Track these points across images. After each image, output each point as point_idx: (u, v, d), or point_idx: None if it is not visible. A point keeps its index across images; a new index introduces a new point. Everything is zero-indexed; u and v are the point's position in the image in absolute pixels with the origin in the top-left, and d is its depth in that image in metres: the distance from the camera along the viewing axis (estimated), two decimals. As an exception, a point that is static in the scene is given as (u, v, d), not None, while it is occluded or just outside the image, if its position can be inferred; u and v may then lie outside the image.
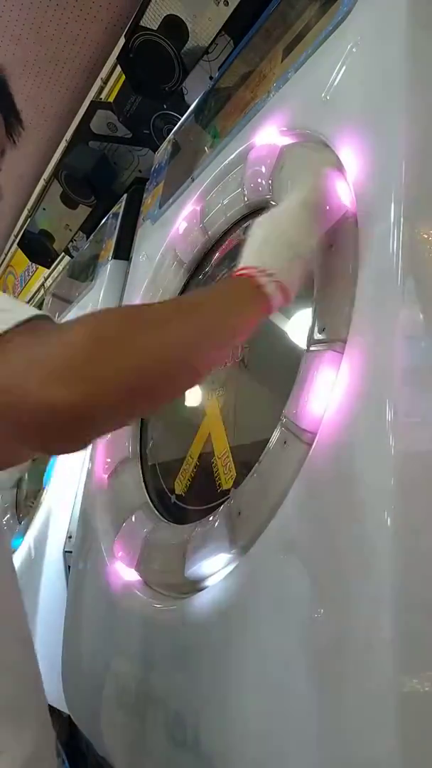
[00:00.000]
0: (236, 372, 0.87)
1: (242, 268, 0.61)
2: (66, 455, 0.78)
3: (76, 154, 1.69)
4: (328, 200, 0.66)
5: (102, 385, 0.46)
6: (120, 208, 1.62)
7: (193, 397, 0.96)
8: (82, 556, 1.07)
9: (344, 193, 0.68)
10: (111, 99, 1.68)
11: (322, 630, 0.54)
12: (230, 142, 1.02)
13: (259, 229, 0.64)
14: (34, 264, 2.58)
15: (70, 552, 1.19)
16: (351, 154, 0.68)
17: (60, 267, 2.35)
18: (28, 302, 2.93)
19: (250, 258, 0.62)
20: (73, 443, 0.48)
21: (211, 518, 0.73)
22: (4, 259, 3.10)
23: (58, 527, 1.32)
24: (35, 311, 0.50)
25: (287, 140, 0.83)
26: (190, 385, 0.63)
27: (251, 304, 0.59)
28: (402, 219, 0.58)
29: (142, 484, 0.97)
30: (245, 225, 0.95)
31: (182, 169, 1.23)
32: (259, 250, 0.62)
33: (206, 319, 0.56)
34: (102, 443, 1.07)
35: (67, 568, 1.21)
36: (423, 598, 0.50)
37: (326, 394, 0.61)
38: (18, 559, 1.42)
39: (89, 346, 0.46)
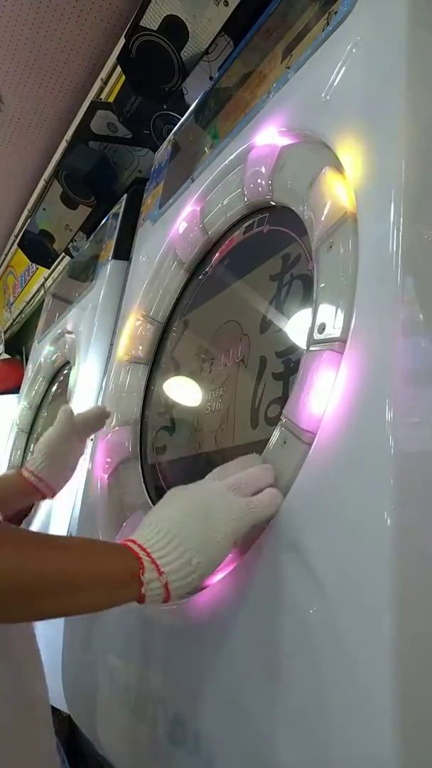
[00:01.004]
0: (236, 372, 0.87)
1: (136, 543, 0.55)
2: None
3: (76, 154, 1.69)
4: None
5: None
6: (120, 208, 1.62)
7: (194, 397, 0.96)
8: (82, 556, 1.07)
9: (344, 192, 0.68)
10: (111, 99, 1.68)
11: (321, 630, 0.54)
12: (230, 142, 1.02)
13: (178, 509, 0.58)
14: (34, 264, 2.58)
15: (70, 552, 1.19)
16: (351, 155, 0.68)
17: (60, 267, 2.36)
18: (28, 302, 2.94)
19: (153, 536, 0.55)
20: None
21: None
22: (4, 259, 3.10)
23: (58, 527, 1.32)
24: None
25: (287, 141, 0.84)
26: (15, 619, 0.58)
27: (122, 586, 0.54)
28: (402, 219, 0.58)
29: (142, 484, 0.97)
30: (245, 225, 0.96)
31: (182, 170, 1.23)
32: (166, 534, 0.55)
33: (70, 566, 0.52)
34: (102, 443, 1.07)
35: (67, 568, 1.21)
36: (423, 598, 0.50)
37: (326, 394, 0.61)
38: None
39: None
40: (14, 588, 0.48)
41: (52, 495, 0.93)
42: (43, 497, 0.93)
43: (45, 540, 0.58)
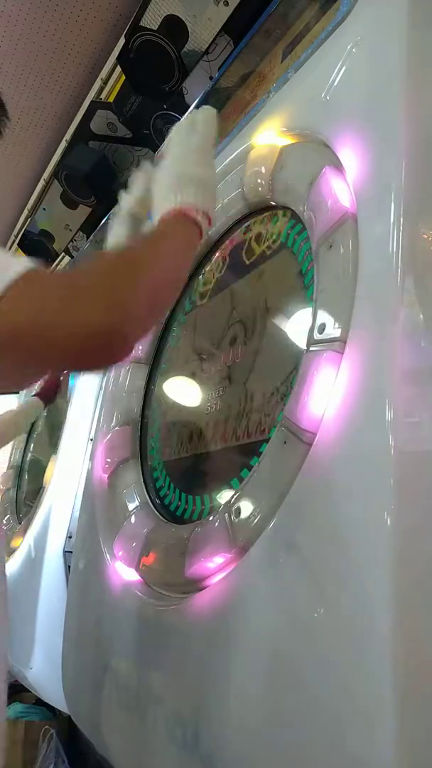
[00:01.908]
0: (236, 372, 0.87)
1: (167, 211, 0.69)
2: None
3: (76, 154, 1.69)
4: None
5: (129, 306, 0.55)
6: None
7: (194, 397, 0.96)
8: (82, 556, 1.07)
9: (344, 193, 0.68)
10: (111, 99, 1.68)
11: (321, 630, 0.54)
12: (230, 142, 1.02)
13: (166, 176, 0.73)
14: (34, 264, 2.58)
15: (70, 552, 1.19)
16: (351, 154, 0.68)
17: (60, 267, 2.35)
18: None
19: (171, 197, 0.70)
20: (109, 360, 0.57)
21: (211, 518, 0.73)
22: (4, 259, 3.09)
23: (58, 527, 1.32)
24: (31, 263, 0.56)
25: (287, 140, 0.84)
26: (177, 294, 0.85)
27: (191, 235, 0.69)
28: (402, 219, 0.58)
29: (142, 484, 0.97)
30: (246, 224, 0.95)
31: (182, 169, 1.22)
32: (175, 190, 0.70)
33: (177, 247, 0.68)
34: (102, 443, 1.07)
35: (67, 568, 1.22)
36: (423, 598, 0.50)
37: (326, 393, 0.61)
38: (18, 559, 1.42)
39: (111, 276, 0.57)
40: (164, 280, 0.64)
41: None
42: None
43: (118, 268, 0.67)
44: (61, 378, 1.65)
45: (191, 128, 0.76)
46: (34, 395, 1.65)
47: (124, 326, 0.54)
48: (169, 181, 0.72)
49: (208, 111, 0.77)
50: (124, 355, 0.56)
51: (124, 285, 0.56)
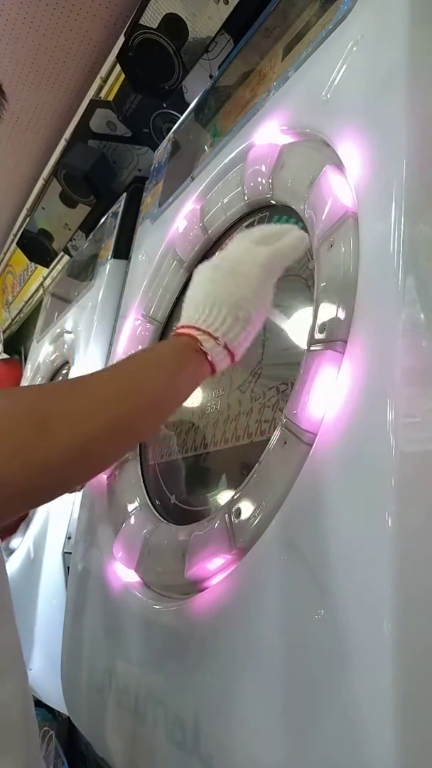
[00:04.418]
0: (237, 371, 0.86)
1: (185, 327, 0.58)
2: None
3: (76, 152, 1.69)
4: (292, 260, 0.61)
5: (46, 465, 0.45)
6: (119, 207, 1.61)
7: (194, 397, 0.96)
8: (81, 557, 1.07)
9: (344, 192, 0.67)
10: (110, 98, 1.67)
11: (322, 631, 0.54)
12: (230, 140, 1.01)
13: (206, 281, 0.60)
14: (33, 263, 2.58)
15: (70, 553, 1.19)
16: (351, 153, 0.68)
17: (59, 266, 2.35)
18: (27, 302, 2.94)
19: (194, 314, 0.58)
20: (23, 509, 0.49)
21: (210, 519, 0.73)
22: (3, 258, 3.09)
23: (58, 528, 1.31)
24: None
25: (287, 139, 0.83)
26: (133, 446, 0.62)
27: (193, 368, 0.57)
28: (403, 218, 0.58)
29: (142, 484, 0.97)
30: (245, 224, 0.95)
31: (182, 168, 1.22)
32: (204, 305, 0.58)
33: (146, 383, 0.55)
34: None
35: (67, 569, 1.21)
36: (423, 599, 0.50)
37: (327, 394, 0.61)
38: (17, 560, 1.42)
39: (25, 428, 0.45)
40: (114, 418, 0.49)
41: None
42: None
43: (115, 372, 0.59)
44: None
45: (272, 239, 0.62)
46: None
47: (38, 486, 0.46)
48: (205, 293, 0.58)
49: (299, 235, 0.63)
50: (41, 504, 0.50)
51: (45, 432, 0.45)
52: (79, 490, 0.96)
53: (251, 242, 0.62)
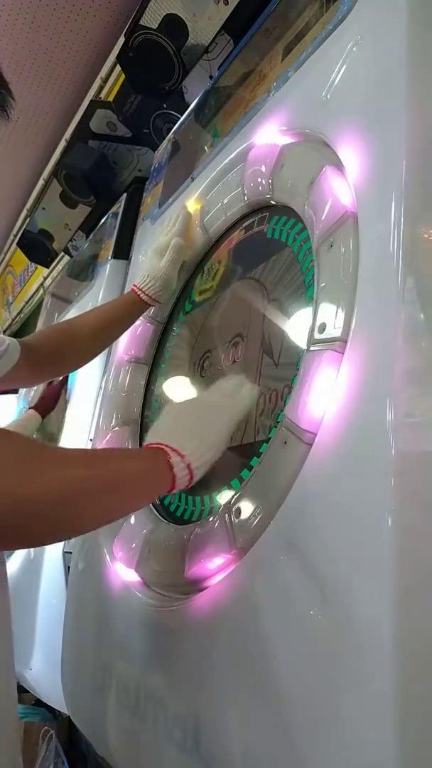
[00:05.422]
0: (236, 371, 0.86)
1: (156, 444, 0.64)
2: None
3: (76, 153, 1.69)
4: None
5: (34, 503, 0.48)
6: (119, 207, 1.62)
7: (193, 395, 0.96)
8: (81, 556, 1.07)
9: (344, 192, 0.67)
10: (111, 98, 1.67)
11: (322, 631, 0.54)
12: (230, 141, 1.01)
13: (172, 416, 0.70)
14: (33, 264, 2.58)
15: (70, 552, 1.19)
16: (351, 154, 0.68)
17: (59, 267, 2.35)
18: (27, 302, 2.94)
19: (164, 436, 0.65)
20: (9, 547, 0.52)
21: (211, 518, 0.73)
22: (4, 258, 3.09)
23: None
24: None
25: (287, 139, 0.83)
26: (70, 532, 0.66)
27: (157, 477, 0.62)
28: (402, 218, 0.58)
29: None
30: (245, 224, 0.95)
31: (182, 169, 1.23)
32: (172, 430, 0.66)
33: (109, 473, 0.57)
34: (102, 443, 1.07)
35: (67, 569, 1.21)
36: (423, 599, 0.50)
37: (326, 394, 0.61)
38: (17, 559, 1.42)
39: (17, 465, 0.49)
40: (66, 497, 0.51)
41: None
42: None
43: (84, 453, 0.65)
44: (61, 389, 1.61)
45: (238, 392, 0.71)
46: (31, 408, 1.60)
47: None
48: (183, 421, 0.68)
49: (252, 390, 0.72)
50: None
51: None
52: None
53: (230, 390, 0.72)
